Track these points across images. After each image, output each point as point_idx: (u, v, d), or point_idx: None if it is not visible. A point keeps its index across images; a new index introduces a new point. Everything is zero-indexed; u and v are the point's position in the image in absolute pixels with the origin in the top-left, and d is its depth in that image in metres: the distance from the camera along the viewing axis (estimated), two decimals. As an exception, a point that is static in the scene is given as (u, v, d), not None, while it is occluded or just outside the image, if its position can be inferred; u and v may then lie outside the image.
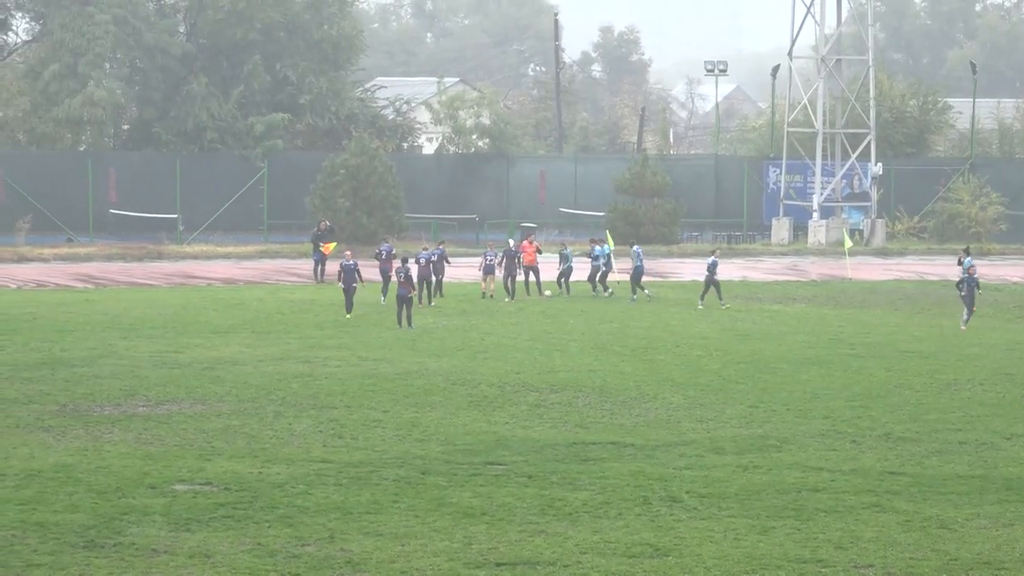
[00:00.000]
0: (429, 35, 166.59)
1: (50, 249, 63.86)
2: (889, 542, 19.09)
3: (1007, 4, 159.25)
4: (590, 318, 43.25)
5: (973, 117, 78.82)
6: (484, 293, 48.19)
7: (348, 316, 42.02)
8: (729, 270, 47.13)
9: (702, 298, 46.39)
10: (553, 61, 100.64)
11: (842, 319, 43.98)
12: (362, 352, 35.63)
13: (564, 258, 49.65)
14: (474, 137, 79.20)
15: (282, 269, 59.75)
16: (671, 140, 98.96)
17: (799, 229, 74.21)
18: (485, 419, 27.28)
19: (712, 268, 46.57)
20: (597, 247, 49.62)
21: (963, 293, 42.21)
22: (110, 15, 71.54)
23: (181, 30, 77.89)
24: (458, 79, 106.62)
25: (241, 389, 29.97)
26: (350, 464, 23.12)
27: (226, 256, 64.46)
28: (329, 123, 76.41)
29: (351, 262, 42.76)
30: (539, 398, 29.59)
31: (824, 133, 73.96)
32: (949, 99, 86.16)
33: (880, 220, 73.61)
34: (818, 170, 73.65)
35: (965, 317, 41.80)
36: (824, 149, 74.22)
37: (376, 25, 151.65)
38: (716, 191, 78.74)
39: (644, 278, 49.01)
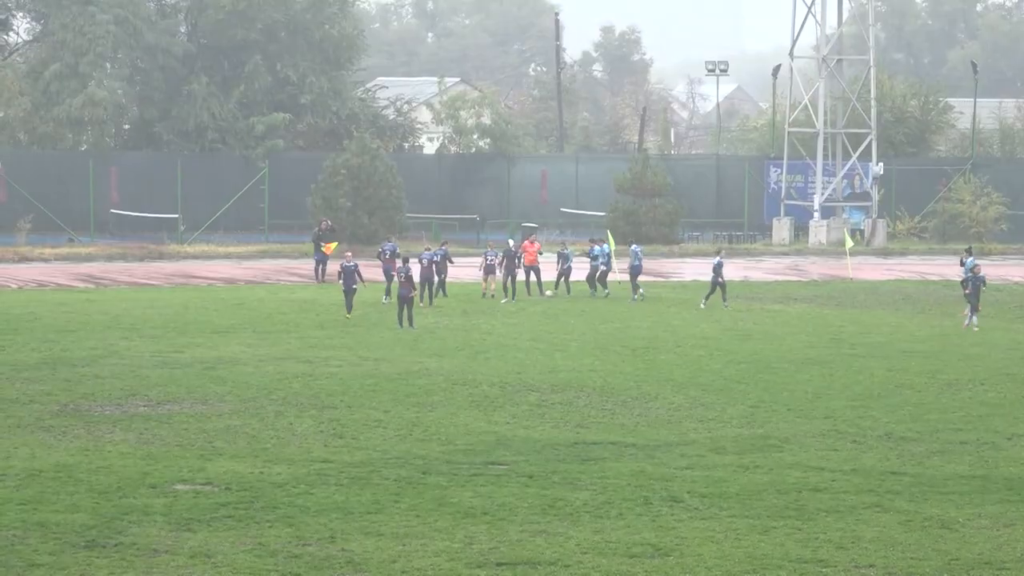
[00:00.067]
0: (430, 35, 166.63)
1: (51, 249, 63.85)
2: (890, 542, 19.09)
3: (1008, 4, 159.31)
4: (591, 318, 43.25)
5: (974, 117, 78.81)
6: (485, 293, 48.18)
7: (348, 316, 42.00)
8: (730, 270, 47.16)
9: (706, 299, 46.35)
10: (554, 61, 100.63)
11: (843, 319, 43.97)
12: (363, 352, 35.63)
13: (564, 258, 49.67)
14: (475, 137, 79.22)
15: (283, 269, 59.74)
16: (672, 140, 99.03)
17: (800, 229, 74.20)
18: (486, 419, 27.29)
19: (717, 269, 46.58)
20: (596, 247, 49.62)
21: (967, 291, 42.22)
22: (111, 15, 71.53)
23: (182, 30, 77.91)
24: (459, 79, 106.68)
25: (242, 389, 29.97)
26: (351, 464, 23.12)
27: (227, 256, 64.45)
28: (330, 123, 76.42)
29: (351, 263, 42.74)
30: (540, 398, 29.59)
31: (825, 133, 73.94)
32: (950, 99, 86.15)
33: (881, 220, 73.59)
34: (819, 170, 73.64)
35: (970, 316, 41.79)
36: (825, 149, 74.20)
37: (377, 25, 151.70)
38: (717, 191, 78.74)
39: (640, 277, 49.01)
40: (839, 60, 75.91)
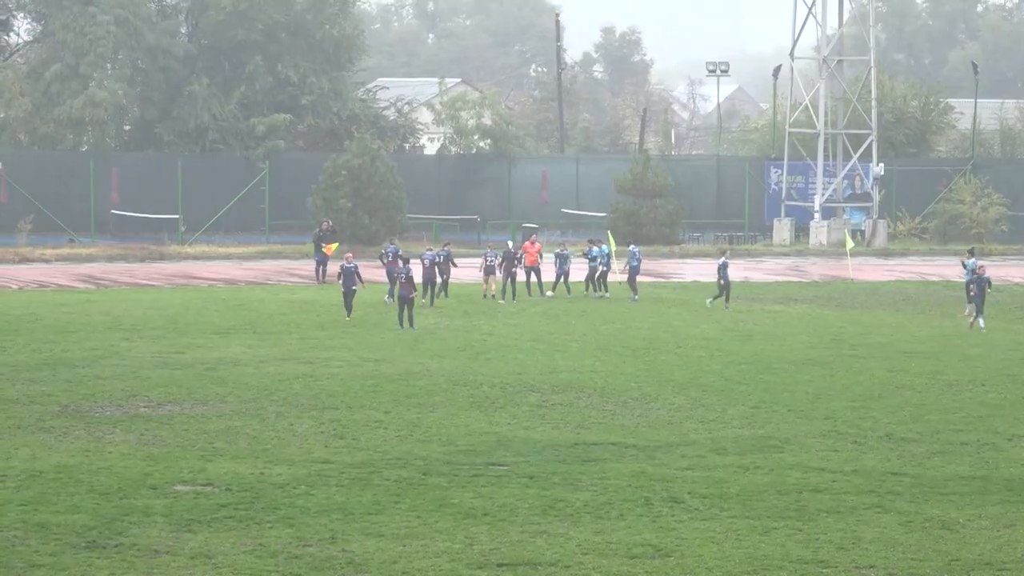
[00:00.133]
0: (431, 35, 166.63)
1: (52, 250, 63.87)
2: (890, 543, 19.09)
3: (1008, 5, 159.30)
4: (592, 319, 43.25)
5: (975, 118, 78.82)
6: (485, 294, 48.18)
7: (348, 318, 41.98)
8: (731, 271, 47.19)
9: (713, 299, 46.34)
10: (555, 61, 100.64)
11: (844, 320, 43.98)
12: (364, 353, 35.64)
13: (562, 259, 49.68)
14: (476, 138, 79.21)
15: (284, 270, 59.74)
16: (673, 141, 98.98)
17: (800, 230, 74.23)
18: (487, 420, 27.29)
19: (723, 269, 46.60)
20: (595, 248, 49.62)
21: (972, 293, 42.24)
22: (112, 16, 71.54)
23: (183, 31, 77.92)
24: (459, 80, 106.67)
25: (243, 390, 29.97)
26: (352, 465, 23.12)
27: (227, 257, 64.45)
28: (331, 124, 76.42)
29: (351, 264, 42.72)
30: (541, 399, 29.60)
31: (826, 134, 73.95)
32: (951, 100, 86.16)
33: (881, 221, 73.61)
34: (819, 171, 73.65)
35: (976, 317, 41.81)
36: (826, 150, 74.22)
37: (378, 26, 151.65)
38: (717, 192, 78.80)
39: (641, 278, 49.01)
40: (840, 61, 75.92)
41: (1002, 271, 58.53)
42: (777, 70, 79.06)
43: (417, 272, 43.38)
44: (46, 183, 69.22)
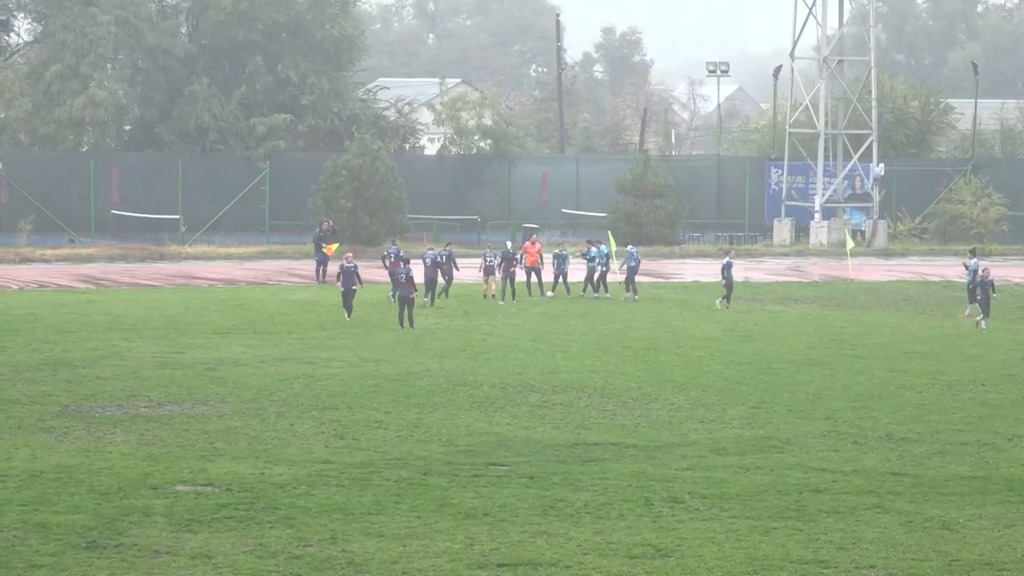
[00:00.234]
0: (431, 36, 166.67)
1: (52, 250, 63.88)
2: (891, 543, 19.09)
3: (1009, 5, 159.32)
4: (592, 319, 43.26)
5: (975, 118, 78.82)
6: (486, 294, 48.18)
7: (348, 319, 41.96)
8: (733, 271, 47.27)
9: (721, 299, 46.36)
10: (555, 62, 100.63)
11: (844, 320, 43.98)
12: (364, 353, 35.64)
13: (561, 259, 49.69)
14: (476, 138, 79.21)
15: (284, 270, 59.75)
16: (673, 141, 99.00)
17: (801, 230, 74.25)
18: (487, 420, 27.29)
19: (727, 269, 46.63)
20: (593, 248, 49.62)
21: (980, 297, 42.32)
22: (112, 16, 71.54)
23: (183, 31, 77.93)
24: (460, 80, 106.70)
25: (243, 390, 29.98)
26: (352, 465, 23.12)
27: (228, 257, 64.46)
28: (331, 124, 76.42)
29: (351, 264, 42.72)
30: (541, 399, 29.60)
31: (826, 134, 73.96)
32: (951, 100, 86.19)
33: (882, 221, 73.63)
34: (820, 171, 73.66)
35: (980, 318, 41.88)
36: (826, 150, 74.23)
37: (378, 26, 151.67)
38: (718, 192, 78.81)
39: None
40: (840, 61, 75.94)
41: (1002, 271, 58.50)
42: (777, 70, 79.06)
43: (419, 272, 43.36)
44: (46, 183, 69.22)
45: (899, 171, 75.89)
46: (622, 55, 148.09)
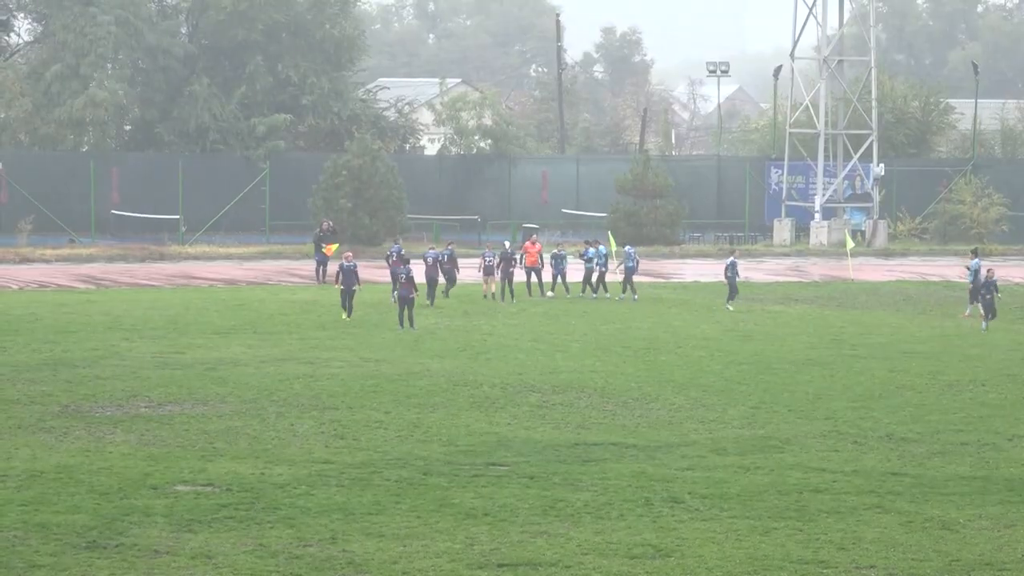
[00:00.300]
0: (431, 36, 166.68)
1: (52, 250, 63.88)
2: (891, 543, 19.09)
3: (1009, 5, 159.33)
4: (592, 319, 43.26)
5: (975, 118, 78.82)
6: (486, 294, 48.19)
7: (345, 318, 41.95)
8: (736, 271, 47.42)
9: (731, 299, 46.37)
10: (555, 62, 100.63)
11: (844, 320, 43.99)
12: (364, 353, 35.64)
13: (560, 259, 49.70)
14: (476, 138, 79.20)
15: (284, 270, 59.76)
16: (673, 141, 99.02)
17: (801, 230, 74.25)
18: (487, 420, 27.30)
19: (731, 269, 46.63)
20: (591, 248, 49.63)
21: (987, 297, 42.35)
22: (112, 16, 71.54)
23: (183, 31, 77.92)
24: (460, 80, 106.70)
25: (243, 390, 29.98)
26: (352, 465, 23.13)
27: (228, 257, 64.47)
28: (331, 124, 76.41)
29: (351, 264, 42.72)
30: (541, 399, 29.60)
31: (826, 134, 73.96)
32: (951, 100, 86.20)
33: (882, 221, 73.63)
34: (820, 171, 73.66)
35: (984, 319, 41.92)
36: (826, 150, 74.23)
37: (378, 26, 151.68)
38: (718, 192, 78.81)
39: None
40: (840, 61, 75.94)
41: (1002, 271, 58.43)
42: (777, 70, 79.05)
43: (420, 271, 43.34)
44: (46, 183, 69.20)
45: (899, 171, 75.90)
46: (622, 55, 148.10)
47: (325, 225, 56.18)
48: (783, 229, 73.95)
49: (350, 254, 44.58)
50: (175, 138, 73.63)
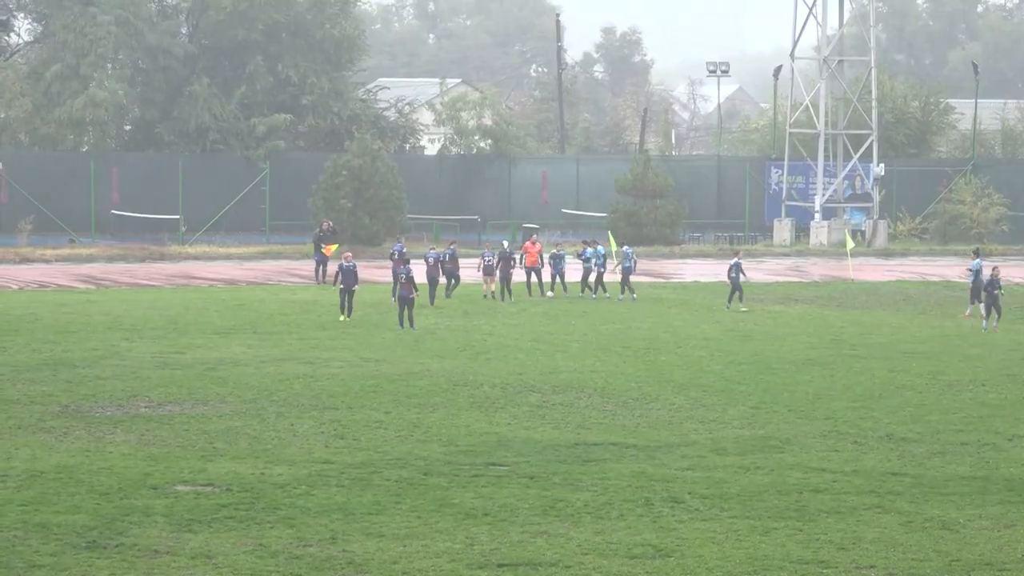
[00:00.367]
0: (431, 36, 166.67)
1: (52, 250, 63.87)
2: (891, 543, 19.09)
3: (1009, 5, 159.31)
4: (592, 319, 43.26)
5: (975, 118, 78.82)
6: (486, 294, 48.19)
7: (343, 318, 41.92)
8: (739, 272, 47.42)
9: (741, 299, 46.36)
10: (555, 62, 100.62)
11: (844, 320, 43.99)
12: (364, 353, 35.64)
13: (558, 259, 49.70)
14: (476, 138, 79.19)
15: (284, 270, 59.75)
16: (673, 141, 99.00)
17: (801, 230, 74.24)
18: (487, 420, 27.30)
19: (735, 269, 46.63)
20: (589, 249, 49.62)
21: (994, 293, 42.38)
22: (112, 16, 71.53)
23: (183, 31, 77.90)
24: (460, 80, 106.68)
25: (243, 390, 29.98)
26: (352, 465, 23.13)
27: (228, 257, 64.46)
28: (331, 124, 76.40)
29: (351, 263, 42.72)
30: (541, 399, 29.60)
31: (826, 134, 73.96)
32: (951, 100, 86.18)
33: (882, 221, 73.62)
34: (820, 171, 73.65)
35: (986, 318, 41.91)
36: (826, 150, 74.22)
37: (378, 26, 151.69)
38: (718, 192, 78.79)
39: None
40: (840, 61, 75.93)
41: (1002, 271, 58.40)
42: (777, 70, 79.04)
43: (420, 271, 43.33)
44: (46, 183, 69.19)
45: (899, 171, 75.89)
46: (622, 55, 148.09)
47: (325, 225, 56.18)
48: (783, 229, 73.95)
49: (350, 254, 44.57)
50: (175, 138, 73.62)
